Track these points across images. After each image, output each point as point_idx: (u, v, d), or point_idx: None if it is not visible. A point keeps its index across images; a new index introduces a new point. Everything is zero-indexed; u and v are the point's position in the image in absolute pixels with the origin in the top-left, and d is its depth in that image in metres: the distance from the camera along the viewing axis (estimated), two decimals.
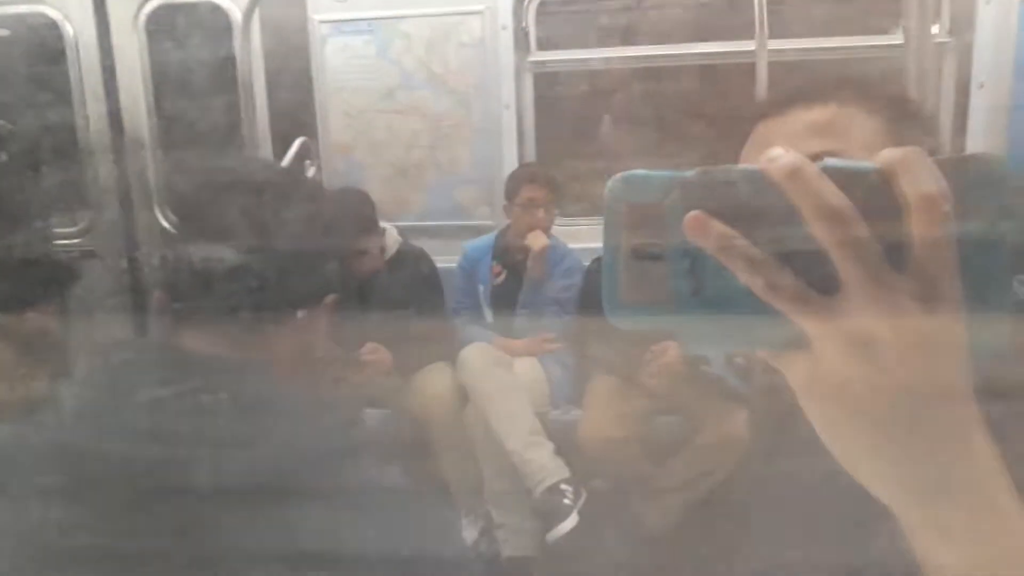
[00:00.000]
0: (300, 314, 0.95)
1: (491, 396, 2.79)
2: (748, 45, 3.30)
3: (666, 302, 0.42)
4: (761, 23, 3.18)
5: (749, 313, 0.41)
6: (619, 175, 0.43)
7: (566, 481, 2.67)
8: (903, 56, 2.55)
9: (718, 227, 0.40)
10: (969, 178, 0.39)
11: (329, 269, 0.99)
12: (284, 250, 0.92)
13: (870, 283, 0.38)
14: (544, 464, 2.69)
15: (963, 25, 3.43)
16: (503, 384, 2.82)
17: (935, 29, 3.39)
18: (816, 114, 0.80)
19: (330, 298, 0.98)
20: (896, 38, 2.81)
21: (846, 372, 0.39)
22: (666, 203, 0.42)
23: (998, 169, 0.40)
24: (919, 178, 0.38)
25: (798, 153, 0.39)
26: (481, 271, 3.22)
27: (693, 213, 0.40)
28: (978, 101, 3.40)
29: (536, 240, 3.06)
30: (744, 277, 0.40)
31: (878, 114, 0.80)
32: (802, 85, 0.87)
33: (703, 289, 0.42)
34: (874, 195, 0.39)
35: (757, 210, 0.40)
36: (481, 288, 3.22)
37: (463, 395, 2.88)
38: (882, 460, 0.40)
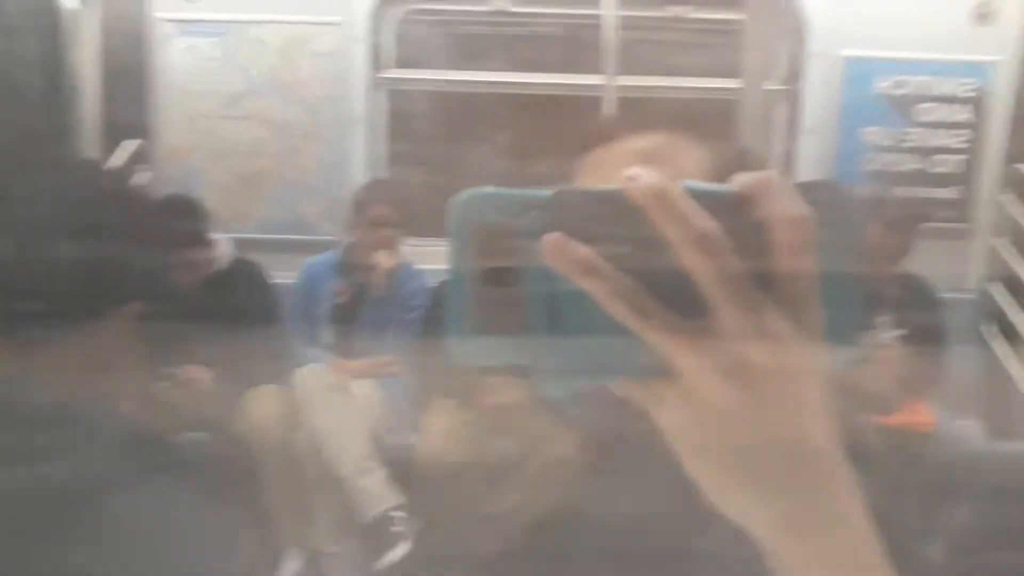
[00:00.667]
0: (94, 323, 0.88)
1: (324, 419, 2.71)
2: (599, 79, 3.42)
3: (520, 334, 0.39)
4: (609, 58, 3.29)
5: (612, 345, 0.39)
6: (466, 193, 0.40)
7: (399, 508, 2.63)
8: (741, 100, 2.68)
9: (579, 251, 0.37)
10: (818, 203, 0.39)
11: (132, 277, 0.92)
12: (76, 254, 0.85)
13: (739, 308, 0.37)
14: (376, 491, 2.64)
15: (795, 76, 3.64)
16: (337, 407, 2.75)
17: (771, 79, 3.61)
18: (644, 141, 0.81)
19: (129, 308, 0.91)
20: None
21: (716, 402, 0.38)
22: (521, 224, 0.39)
23: (845, 194, 0.40)
24: (782, 201, 0.38)
25: (658, 174, 0.37)
26: (322, 289, 3.12)
27: (551, 235, 0.37)
28: (806, 146, 3.62)
29: (384, 259, 3.00)
30: (607, 304, 0.37)
31: (703, 145, 0.81)
32: (631, 114, 0.88)
33: (562, 319, 0.39)
34: (733, 219, 0.38)
35: (619, 233, 0.38)
36: (321, 307, 3.13)
37: (294, 419, 2.78)
38: (752, 492, 0.40)
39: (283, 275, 3.14)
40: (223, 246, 2.98)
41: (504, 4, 3.67)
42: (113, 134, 3.46)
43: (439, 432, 2.77)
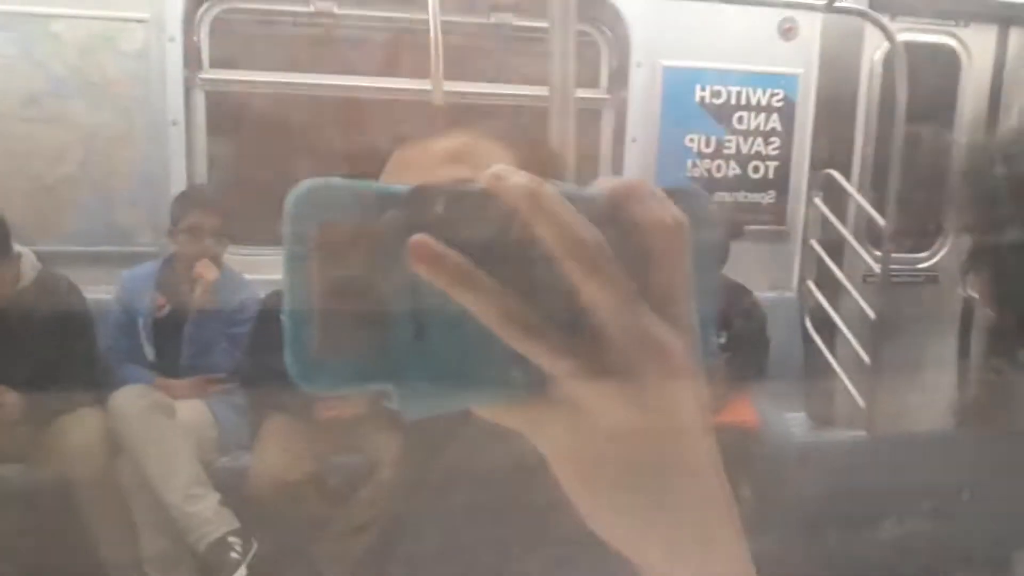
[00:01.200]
0: None
1: (147, 444, 2.53)
2: (425, 84, 3.37)
3: (377, 353, 0.34)
4: (436, 63, 3.25)
5: (482, 360, 0.34)
6: (307, 184, 0.34)
7: (234, 533, 2.48)
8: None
9: (449, 255, 0.33)
10: (684, 210, 0.36)
11: None
12: None
13: (620, 312, 0.34)
14: (208, 517, 2.48)
15: (619, 84, 3.75)
16: (162, 430, 2.57)
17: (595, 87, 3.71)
18: (451, 142, 0.80)
19: None
20: None
21: (603, 421, 0.35)
22: (374, 224, 0.33)
23: (704, 201, 0.38)
24: (655, 206, 0.36)
25: (526, 173, 0.34)
26: (141, 303, 2.91)
27: (419, 237, 0.33)
28: (631, 150, 3.73)
29: (205, 271, 2.83)
30: (479, 312, 0.33)
31: (512, 147, 0.80)
32: (436, 117, 0.88)
33: (425, 334, 0.34)
34: (603, 224, 0.34)
35: (485, 235, 0.34)
36: (141, 322, 2.91)
37: (114, 444, 2.57)
38: (638, 516, 0.37)
39: (98, 289, 2.90)
40: (29, 260, 2.71)
41: (327, 5, 3.57)
42: None
43: (274, 451, 2.63)
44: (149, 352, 2.90)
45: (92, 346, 2.81)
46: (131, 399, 2.61)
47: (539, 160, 0.82)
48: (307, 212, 0.33)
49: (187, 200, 2.96)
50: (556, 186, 0.34)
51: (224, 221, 2.93)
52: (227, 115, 3.63)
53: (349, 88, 3.61)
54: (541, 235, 0.33)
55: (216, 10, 3.50)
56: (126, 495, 2.54)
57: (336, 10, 3.59)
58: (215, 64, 3.54)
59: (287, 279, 0.33)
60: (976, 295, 0.73)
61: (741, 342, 2.91)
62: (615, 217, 0.35)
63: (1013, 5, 3.83)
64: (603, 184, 0.36)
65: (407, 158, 0.82)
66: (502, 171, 0.34)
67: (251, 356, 2.73)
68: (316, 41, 3.70)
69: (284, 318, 0.33)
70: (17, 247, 2.69)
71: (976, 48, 3.90)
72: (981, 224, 0.74)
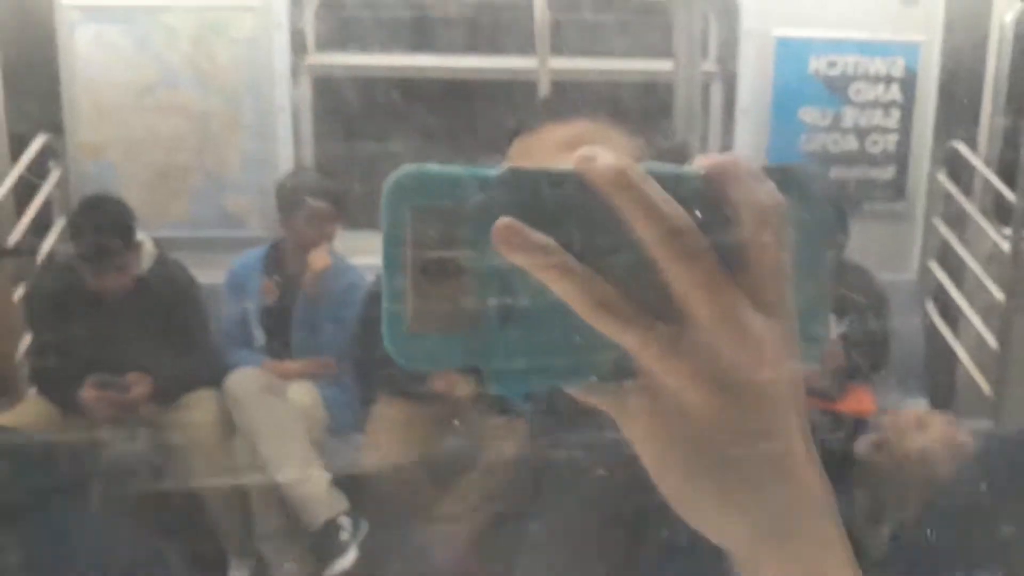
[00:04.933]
0: None
1: (261, 425, 2.60)
2: (531, 62, 3.33)
3: (468, 332, 0.35)
4: (541, 40, 3.21)
5: (571, 342, 0.35)
6: (401, 171, 0.35)
7: (344, 514, 2.53)
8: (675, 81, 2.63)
9: (535, 237, 0.33)
10: (790, 191, 0.36)
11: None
12: None
13: (713, 304, 0.34)
14: (320, 497, 2.53)
15: (728, 56, 3.62)
16: (274, 411, 2.63)
17: (704, 60, 3.58)
18: (569, 129, 0.81)
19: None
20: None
21: (690, 409, 0.34)
22: (466, 207, 0.34)
23: (817, 182, 0.37)
24: (752, 186, 0.35)
25: (618, 153, 0.34)
26: (251, 289, 2.98)
27: (503, 220, 0.33)
28: (742, 126, 3.60)
29: (317, 260, 2.86)
30: (568, 298, 0.33)
31: (629, 131, 0.81)
32: (554, 101, 0.87)
33: (515, 315, 0.35)
34: (699, 205, 0.34)
35: (576, 218, 0.34)
36: (251, 308, 2.98)
37: (230, 425, 2.64)
38: (726, 504, 0.36)
39: (210, 275, 2.98)
40: (147, 247, 2.81)
41: None
42: (21, 130, 3.23)
43: (385, 433, 2.67)
44: (259, 336, 2.97)
45: (206, 330, 2.90)
46: (243, 381, 2.68)
47: (657, 143, 0.81)
48: (402, 196, 0.34)
49: (296, 186, 2.99)
50: (650, 167, 0.34)
51: (332, 206, 2.95)
52: (334, 99, 3.67)
53: (454, 69, 3.60)
54: (630, 217, 0.33)
55: None
56: (241, 473, 2.61)
57: None
58: (321, 48, 3.57)
59: (385, 260, 0.34)
60: None
61: (861, 328, 2.78)
62: (711, 198, 0.35)
63: None
64: (701, 163, 0.35)
65: (528, 146, 0.82)
66: (591, 152, 0.34)
67: (359, 339, 2.77)
68: (420, 22, 3.70)
69: (382, 295, 0.34)
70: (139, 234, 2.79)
71: None
72: None
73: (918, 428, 1.17)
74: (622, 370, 0.35)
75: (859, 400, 2.78)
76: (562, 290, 0.33)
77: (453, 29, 3.70)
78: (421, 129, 3.63)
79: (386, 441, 2.66)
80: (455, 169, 0.35)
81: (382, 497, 2.65)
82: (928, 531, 1.95)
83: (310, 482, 2.55)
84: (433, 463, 2.67)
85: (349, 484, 2.62)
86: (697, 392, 0.34)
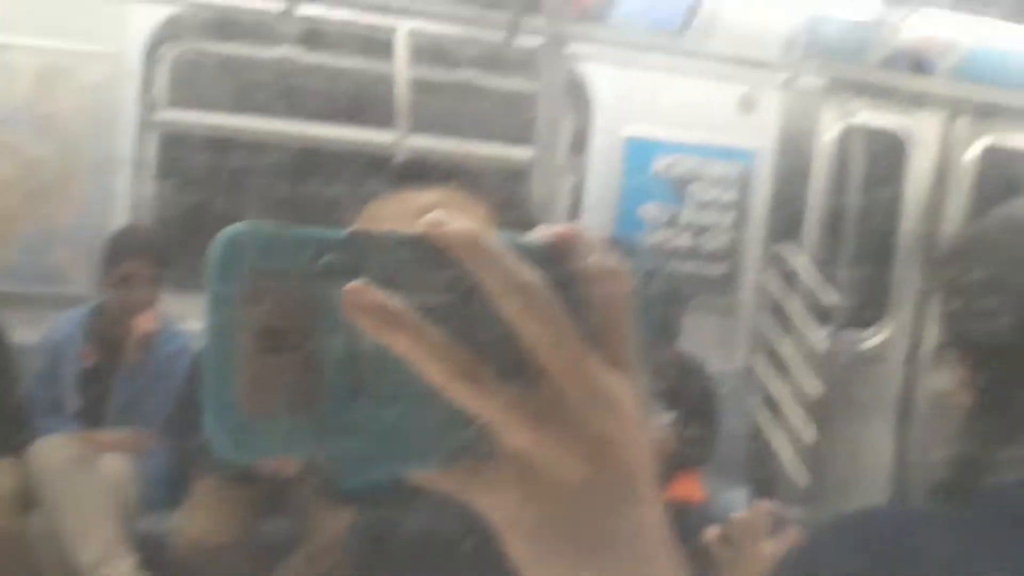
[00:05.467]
0: None
1: (65, 498, 2.41)
2: (390, 136, 3.35)
3: (310, 414, 0.31)
4: (401, 116, 3.24)
5: (426, 421, 0.32)
6: (235, 227, 0.31)
7: None
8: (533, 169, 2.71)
9: (388, 302, 0.31)
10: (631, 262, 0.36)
11: None
12: None
13: (566, 356, 0.33)
14: None
15: (579, 149, 3.76)
16: (81, 485, 2.46)
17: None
18: (426, 196, 0.81)
19: None
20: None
21: (547, 469, 0.33)
22: (310, 270, 0.31)
23: (646, 255, 0.36)
24: (600, 254, 0.35)
25: (468, 220, 0.33)
26: (68, 351, 2.79)
27: (354, 284, 0.30)
28: (587, 216, 3.73)
29: (142, 324, 2.71)
30: (424, 367, 0.31)
31: (485, 200, 0.81)
32: (408, 168, 0.88)
33: (365, 392, 0.31)
34: (547, 270, 0.33)
35: (427, 283, 0.32)
36: (67, 371, 2.79)
37: (30, 498, 2.45)
38: (577, 569, 0.35)
39: (27, 332, 2.79)
40: None
41: (292, 52, 3.53)
42: None
43: (201, 513, 2.53)
44: (74, 403, 2.78)
45: (12, 392, 2.68)
46: (51, 450, 2.50)
47: (516, 217, 0.82)
48: (236, 256, 0.31)
49: (121, 243, 2.83)
50: (499, 235, 0.33)
51: (156, 266, 2.80)
52: (182, 157, 3.55)
53: (311, 138, 3.57)
54: (482, 279, 0.32)
55: (177, 50, 3.45)
56: (38, 551, 2.42)
57: (301, 57, 3.55)
58: (173, 103, 3.47)
59: (210, 330, 0.30)
60: (950, 383, 0.75)
61: (692, 416, 2.87)
62: (558, 265, 0.34)
63: (959, 96, 3.92)
64: (544, 232, 0.35)
65: (379, 212, 0.81)
66: (440, 217, 0.33)
67: (181, 412, 2.63)
68: (280, 88, 3.65)
69: (205, 374, 0.30)
70: None
71: (923, 134, 3.98)
72: (964, 314, 0.77)
73: (768, 529, 1.20)
74: (480, 446, 0.33)
75: (687, 488, 2.85)
76: (419, 359, 0.31)
77: (312, 97, 3.68)
78: (270, 195, 3.57)
79: (203, 521, 2.52)
80: (294, 228, 0.32)
81: None
82: None
83: (114, 563, 2.38)
84: (253, 546, 2.55)
85: (159, 567, 2.47)
86: (558, 457, 0.33)
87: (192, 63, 3.49)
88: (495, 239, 0.32)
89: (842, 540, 0.75)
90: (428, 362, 0.31)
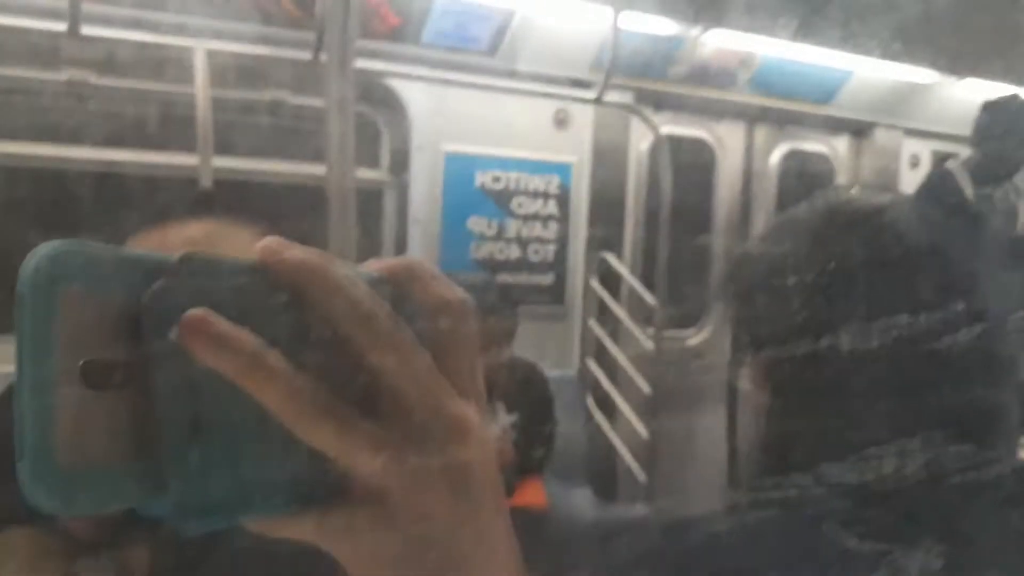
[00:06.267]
0: None
1: None
2: (192, 159, 3.19)
3: (141, 461, 0.27)
4: (203, 139, 3.08)
5: (271, 462, 0.29)
6: (50, 247, 0.27)
7: None
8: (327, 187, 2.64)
9: (232, 332, 0.28)
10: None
11: None
12: None
13: (415, 382, 0.31)
14: None
15: (400, 167, 3.73)
16: None
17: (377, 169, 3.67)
18: (195, 228, 0.78)
19: None
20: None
21: (403, 507, 0.31)
22: (138, 297, 0.27)
23: (482, 282, 0.33)
24: (438, 285, 0.34)
25: (302, 247, 0.31)
26: None
27: (195, 312, 0.27)
28: (413, 234, 3.70)
29: None
30: (272, 403, 0.28)
31: (257, 232, 0.79)
32: (177, 199, 0.84)
33: (203, 434, 0.28)
34: (386, 302, 0.31)
35: (265, 313, 0.29)
36: None
37: None
38: None
39: None
40: None
41: (82, 74, 3.30)
42: None
43: (13, 565, 2.26)
44: None
45: None
46: None
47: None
48: (51, 280, 0.26)
49: None
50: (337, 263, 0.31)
51: None
52: None
53: (107, 163, 3.34)
54: (325, 308, 0.30)
55: None
56: None
57: (92, 80, 3.32)
58: None
59: (21, 367, 0.26)
60: (748, 384, 0.78)
61: (530, 421, 2.88)
62: (395, 297, 0.32)
63: (758, 106, 4.22)
64: (375, 266, 0.34)
65: (147, 244, 0.77)
66: (276, 244, 0.31)
67: None
68: (70, 112, 3.40)
69: (17, 417, 0.26)
70: None
71: (728, 142, 4.25)
72: (748, 318, 0.79)
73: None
74: (330, 485, 0.30)
75: (530, 493, 2.85)
76: (266, 394, 0.28)
77: (109, 122, 3.45)
78: (63, 225, 3.30)
79: (13, 572, 2.25)
80: (119, 250, 0.28)
81: None
82: None
83: None
84: None
85: None
86: (416, 490, 0.31)
87: None
88: (334, 263, 0.31)
89: None
90: (276, 397, 0.29)
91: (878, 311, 0.65)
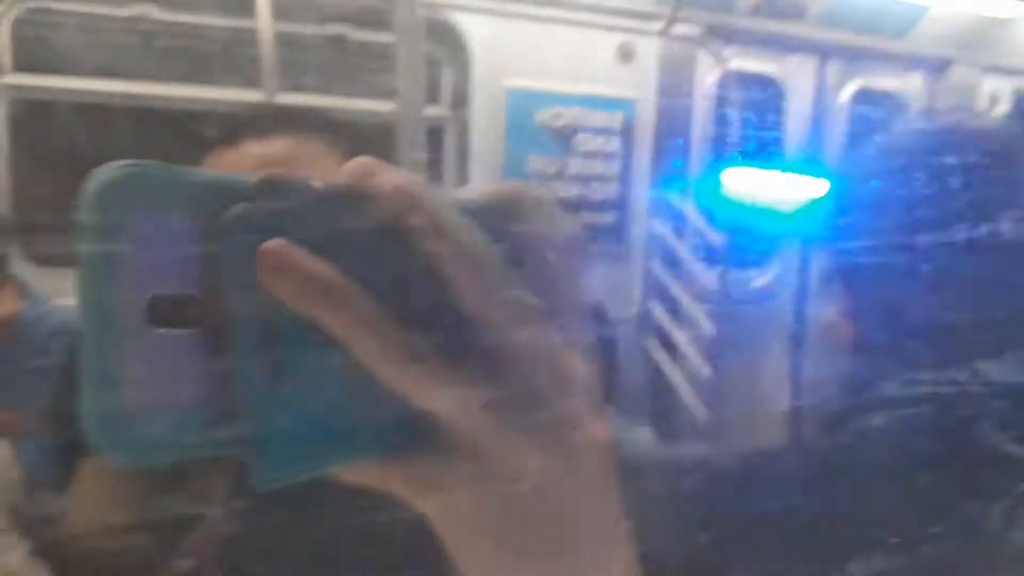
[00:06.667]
0: None
1: None
2: (255, 95, 3.21)
3: (218, 405, 0.25)
4: (267, 75, 3.10)
5: (358, 410, 0.27)
6: (112, 169, 0.25)
7: None
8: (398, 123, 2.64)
9: (316, 266, 0.25)
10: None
11: None
12: None
13: (525, 332, 0.28)
14: (12, 571, 2.18)
15: (461, 103, 3.70)
16: None
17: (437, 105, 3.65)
18: (271, 146, 0.75)
19: None
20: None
21: (509, 470, 0.28)
22: (214, 224, 0.24)
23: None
24: (547, 215, 0.31)
25: (397, 169, 0.28)
26: None
27: (274, 243, 0.25)
28: (474, 171, 3.68)
29: (1, 305, 2.51)
30: (361, 349, 0.26)
31: (338, 147, 0.75)
32: (254, 116, 0.81)
33: (285, 377, 0.25)
34: (489, 233, 0.28)
35: (354, 245, 0.26)
36: None
37: None
38: (533, 571, 0.31)
39: None
40: None
41: (147, 10, 3.31)
42: None
43: (93, 495, 2.36)
44: None
45: None
46: None
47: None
48: (115, 206, 0.24)
49: None
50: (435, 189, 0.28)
51: (17, 242, 2.61)
52: (35, 124, 3.28)
53: (172, 98, 3.36)
54: (424, 245, 0.27)
55: (16, 11, 3.17)
56: None
57: (157, 15, 3.33)
58: (20, 68, 3.19)
59: (84, 299, 0.24)
60: (833, 315, 0.75)
61: (594, 358, 2.90)
62: (503, 228, 0.29)
63: (829, 40, 4.09)
64: (485, 191, 0.31)
65: (224, 163, 0.75)
66: (370, 165, 0.28)
67: (60, 393, 2.44)
68: (135, 47, 3.42)
69: (81, 356, 0.24)
70: None
71: (797, 78, 4.13)
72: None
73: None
74: (420, 435, 0.28)
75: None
76: (354, 338, 0.26)
77: (172, 57, 3.47)
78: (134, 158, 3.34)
79: (94, 504, 2.35)
80: (192, 171, 0.26)
81: (91, 567, 2.34)
82: None
83: (2, 554, 2.20)
84: (150, 526, 2.40)
85: (52, 554, 2.29)
86: (518, 447, 0.28)
87: (35, 24, 3.22)
88: (435, 194, 0.28)
89: None
90: (364, 341, 0.26)
91: None
